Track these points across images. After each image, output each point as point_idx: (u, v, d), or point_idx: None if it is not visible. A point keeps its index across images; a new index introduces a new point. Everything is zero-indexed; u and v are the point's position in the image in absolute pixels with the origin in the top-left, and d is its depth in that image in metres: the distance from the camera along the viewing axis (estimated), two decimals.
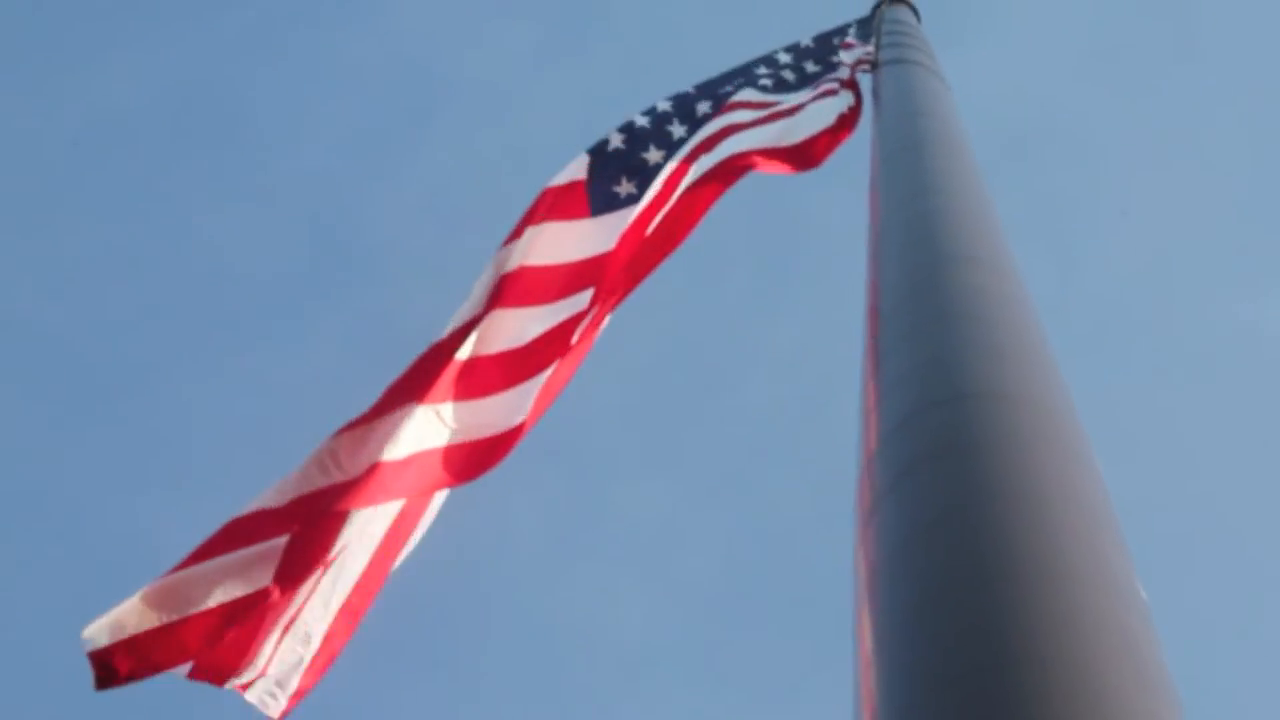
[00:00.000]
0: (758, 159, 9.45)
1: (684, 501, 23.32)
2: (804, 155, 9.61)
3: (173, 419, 23.09)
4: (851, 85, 9.99)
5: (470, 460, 7.88)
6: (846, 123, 9.82)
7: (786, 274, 24.43)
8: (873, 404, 5.02)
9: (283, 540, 7.21)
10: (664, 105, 9.70)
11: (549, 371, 8.20)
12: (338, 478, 7.42)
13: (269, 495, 7.35)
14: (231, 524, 7.28)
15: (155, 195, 24.61)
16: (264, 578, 7.15)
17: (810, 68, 10.42)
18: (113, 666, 6.92)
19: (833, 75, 10.12)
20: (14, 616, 21.88)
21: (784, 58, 10.58)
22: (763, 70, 10.33)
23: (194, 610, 7.03)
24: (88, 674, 6.99)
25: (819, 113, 9.81)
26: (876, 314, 5.71)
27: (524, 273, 8.53)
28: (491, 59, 26.41)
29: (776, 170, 9.64)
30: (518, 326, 8.30)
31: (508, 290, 8.39)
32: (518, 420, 8.08)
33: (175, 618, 7.00)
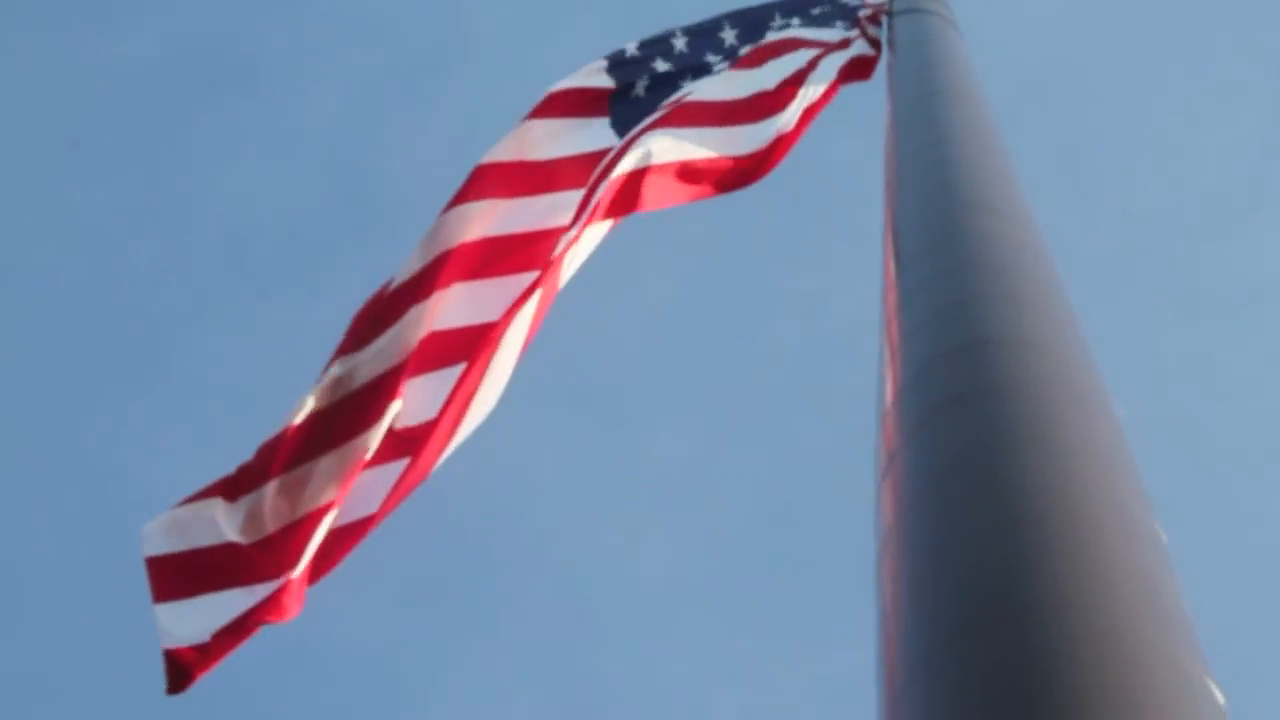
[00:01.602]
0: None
1: (711, 443, 23.36)
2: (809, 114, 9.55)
3: (198, 371, 23.14)
4: (866, 33, 9.98)
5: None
6: (860, 69, 9.81)
7: (813, 216, 24.40)
8: (892, 351, 5.05)
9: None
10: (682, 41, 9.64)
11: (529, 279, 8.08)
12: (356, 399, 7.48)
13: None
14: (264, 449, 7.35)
15: (176, 147, 24.62)
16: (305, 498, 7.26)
17: (818, 10, 10.38)
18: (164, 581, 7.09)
19: (845, 22, 10.10)
20: (43, 571, 21.97)
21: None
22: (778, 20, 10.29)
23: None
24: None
25: (826, 68, 9.75)
26: (894, 261, 5.73)
27: (515, 166, 8.47)
28: (516, 5, 26.34)
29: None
30: (504, 218, 8.22)
31: (491, 182, 8.32)
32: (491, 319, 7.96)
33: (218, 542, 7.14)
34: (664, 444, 22.87)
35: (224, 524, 7.24)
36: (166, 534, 7.23)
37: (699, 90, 9.16)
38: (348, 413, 7.40)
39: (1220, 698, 3.29)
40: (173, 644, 7.08)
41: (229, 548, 7.20)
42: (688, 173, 8.69)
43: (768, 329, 24.24)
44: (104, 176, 24.06)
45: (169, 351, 23.85)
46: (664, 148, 8.58)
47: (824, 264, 24.03)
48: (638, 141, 8.56)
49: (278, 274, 23.62)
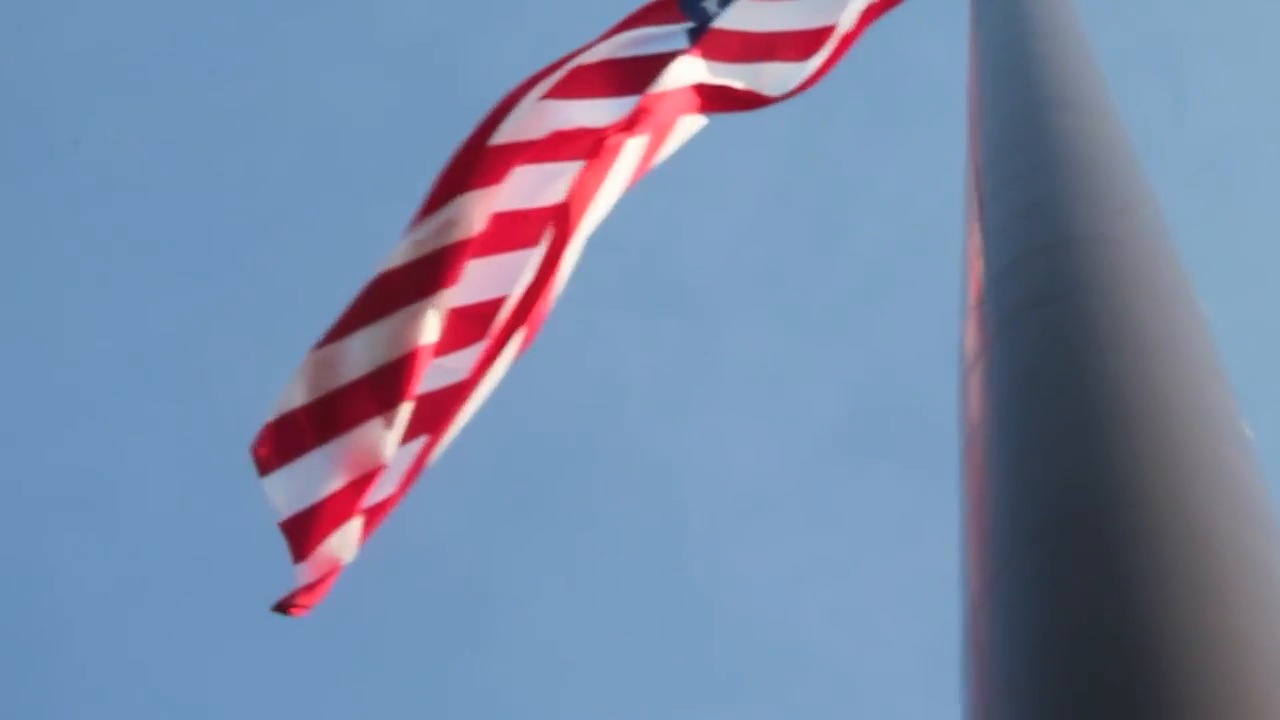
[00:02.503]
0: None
1: (796, 345, 23.35)
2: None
3: (290, 278, 23.28)
4: None
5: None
6: None
7: (895, 114, 24.29)
8: (976, 250, 5.05)
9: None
10: None
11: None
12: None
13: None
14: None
15: (265, 55, 24.69)
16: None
17: None
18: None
19: None
20: (134, 482, 22.22)
21: None
22: None
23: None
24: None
25: None
26: (978, 160, 5.71)
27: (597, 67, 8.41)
28: None
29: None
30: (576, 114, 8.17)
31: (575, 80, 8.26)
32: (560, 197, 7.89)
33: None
34: (750, 344, 22.90)
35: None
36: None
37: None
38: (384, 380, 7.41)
39: None
40: (283, 514, 7.16)
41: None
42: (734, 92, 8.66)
43: (852, 228, 24.18)
44: (191, 86, 24.17)
45: (261, 258, 24.02)
46: (713, 72, 8.53)
47: (908, 162, 23.94)
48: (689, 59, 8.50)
49: (368, 178, 23.69)
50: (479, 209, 7.73)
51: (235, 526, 20.57)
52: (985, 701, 3.20)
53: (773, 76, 8.70)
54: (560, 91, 8.20)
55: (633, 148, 8.05)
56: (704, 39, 8.55)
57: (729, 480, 22.91)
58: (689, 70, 8.35)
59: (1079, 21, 6.88)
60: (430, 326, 7.46)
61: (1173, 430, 3.65)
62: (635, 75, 8.29)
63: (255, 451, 7.31)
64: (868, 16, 9.13)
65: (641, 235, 21.71)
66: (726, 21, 8.73)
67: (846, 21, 8.98)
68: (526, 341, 7.68)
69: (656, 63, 8.35)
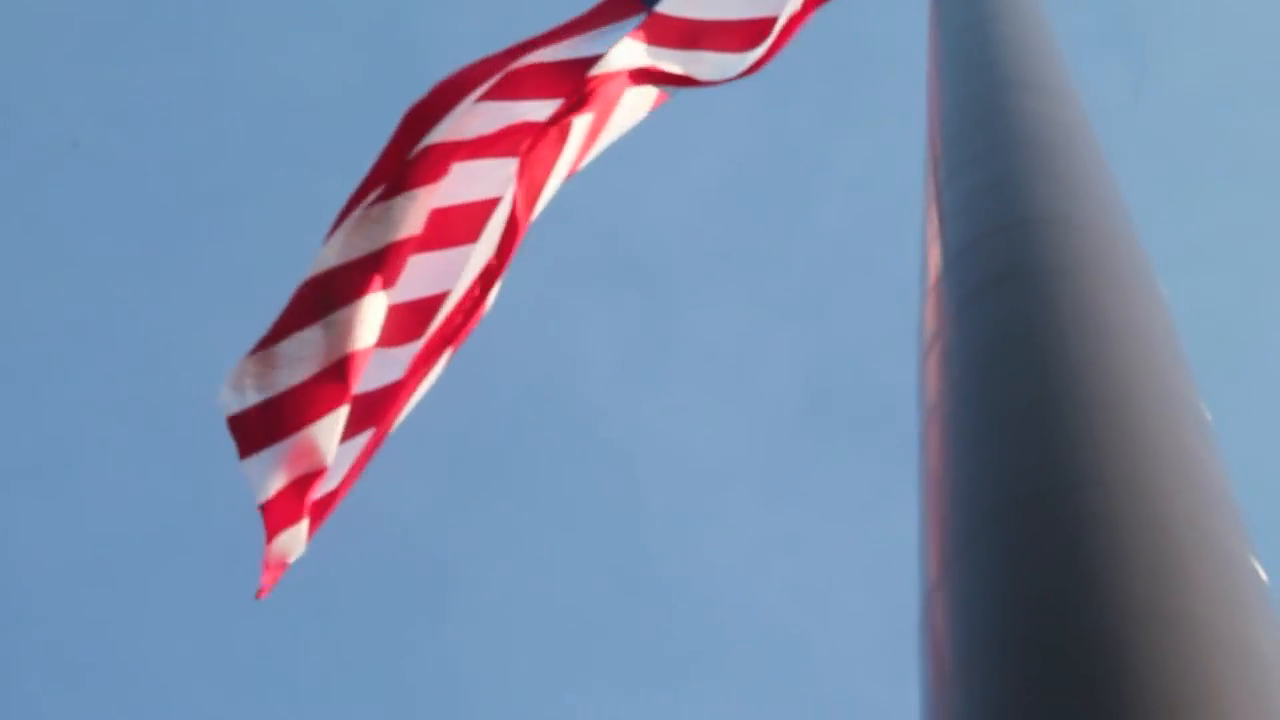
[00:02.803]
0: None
1: (757, 320, 23.35)
2: None
3: (246, 248, 23.18)
4: None
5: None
6: None
7: (857, 93, 24.29)
8: (934, 230, 5.05)
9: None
10: None
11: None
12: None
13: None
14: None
15: (220, 26, 24.57)
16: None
17: None
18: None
19: None
20: (91, 448, 22.14)
21: None
22: None
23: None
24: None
25: None
26: (937, 141, 5.72)
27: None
28: None
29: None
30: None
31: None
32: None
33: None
34: (710, 320, 22.90)
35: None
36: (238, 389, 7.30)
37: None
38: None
39: (1262, 574, 3.31)
40: (264, 497, 7.20)
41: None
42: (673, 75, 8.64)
43: (812, 206, 24.19)
44: (149, 56, 24.05)
45: (215, 228, 23.91)
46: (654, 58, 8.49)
47: (869, 142, 23.95)
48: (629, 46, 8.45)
49: (322, 151, 23.60)
50: (418, 207, 7.73)
51: (193, 498, 20.53)
52: (942, 681, 3.21)
53: (711, 65, 8.68)
54: (506, 92, 8.19)
55: (578, 128, 8.04)
56: (647, 22, 8.52)
57: (689, 456, 22.92)
58: (630, 54, 8.33)
59: (1038, 4, 6.89)
60: (370, 328, 7.48)
61: (1132, 412, 3.66)
62: (583, 73, 8.26)
63: (234, 435, 7.34)
64: (813, 3, 9.09)
65: (603, 211, 21.71)
66: (669, 7, 8.70)
67: (792, 6, 8.94)
68: (464, 335, 7.70)
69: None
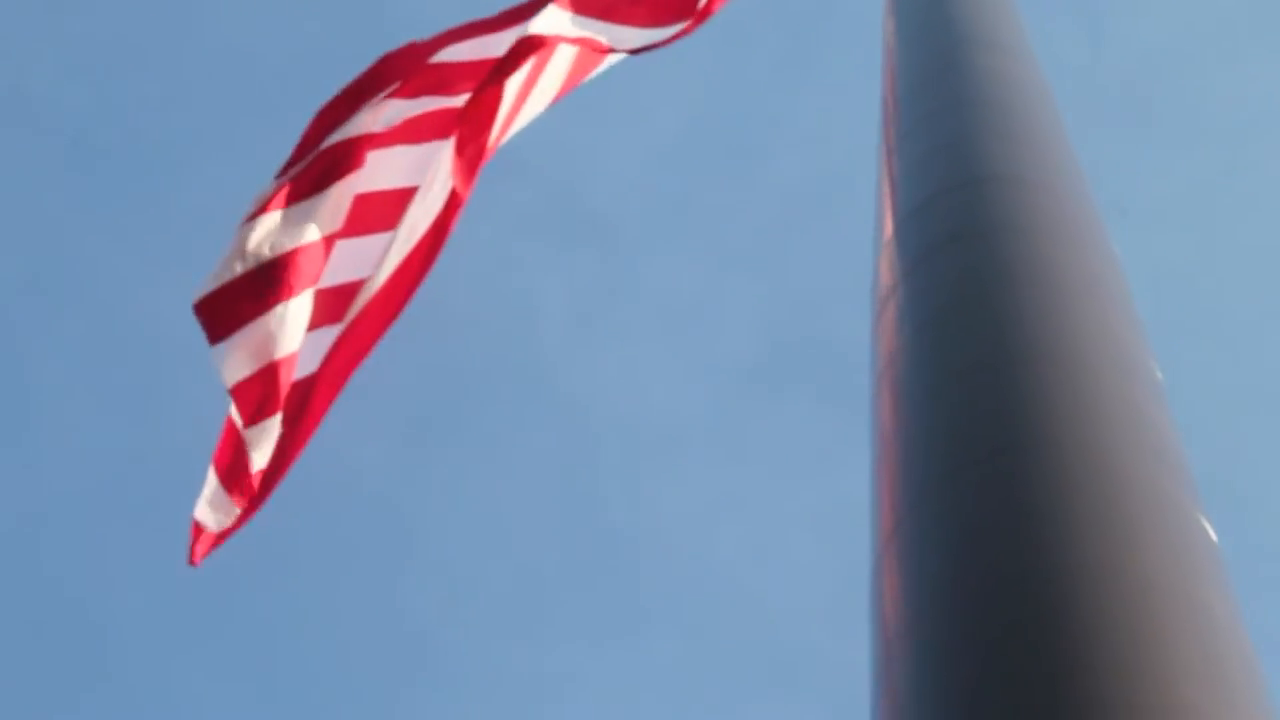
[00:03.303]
0: None
1: (713, 277, 23.33)
2: None
3: (196, 201, 23.08)
4: None
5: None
6: None
7: (814, 47, 24.26)
8: (889, 188, 5.05)
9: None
10: None
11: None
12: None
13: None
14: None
15: None
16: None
17: None
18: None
19: None
20: (39, 400, 22.07)
21: None
22: None
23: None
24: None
25: None
26: (893, 98, 5.71)
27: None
28: None
29: None
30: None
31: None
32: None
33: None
34: (666, 275, 22.88)
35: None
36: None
37: None
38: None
39: (1212, 533, 3.33)
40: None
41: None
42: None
43: (770, 160, 24.17)
44: (100, 6, 23.92)
45: (172, 179, 23.81)
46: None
47: (826, 96, 23.93)
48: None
49: (280, 102, 23.48)
50: (339, 198, 7.76)
51: (143, 448, 20.47)
52: (891, 636, 3.21)
53: (625, 37, 8.65)
54: (417, 89, 8.19)
55: (510, 92, 8.02)
56: None
57: (644, 410, 22.92)
58: (554, 21, 8.29)
59: None
60: (292, 335, 7.50)
61: (1084, 371, 3.67)
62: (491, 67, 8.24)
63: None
64: None
65: (559, 166, 21.64)
66: None
67: None
68: (392, 316, 7.69)
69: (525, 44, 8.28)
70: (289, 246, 7.55)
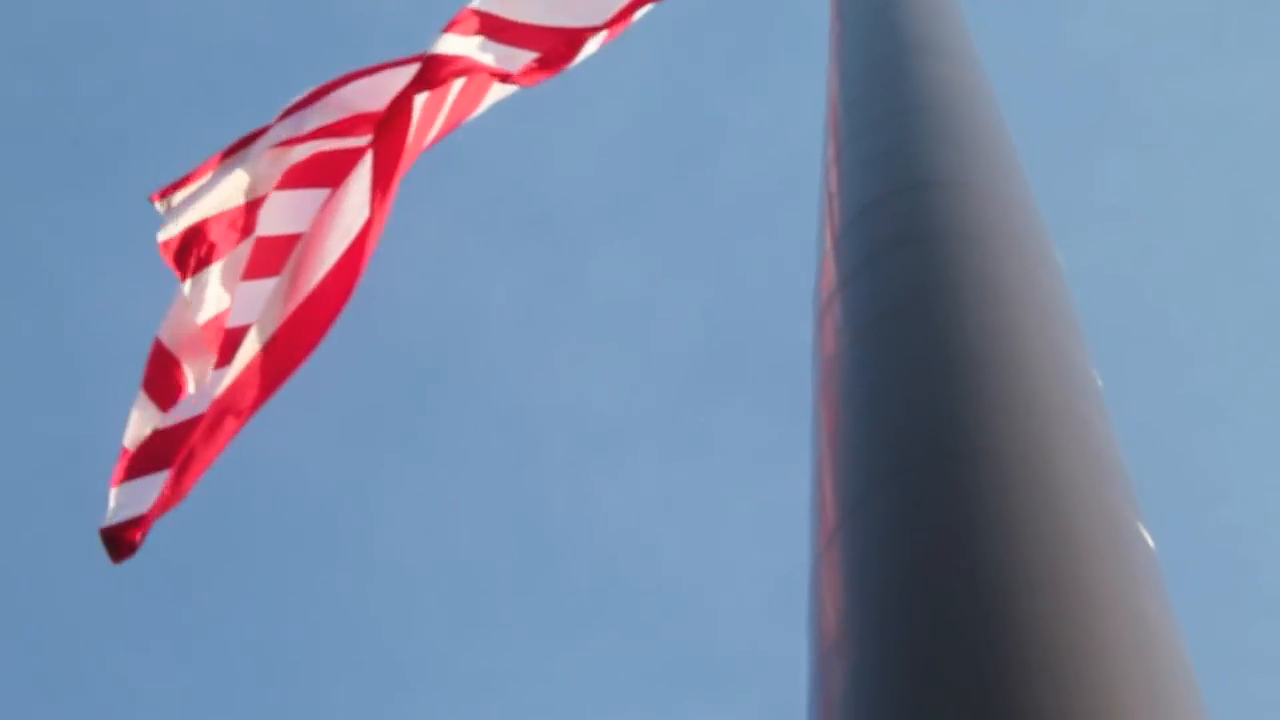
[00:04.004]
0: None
1: (659, 274, 23.33)
2: None
3: (143, 193, 22.91)
4: None
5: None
6: None
7: (763, 47, 24.27)
8: (833, 191, 5.06)
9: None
10: None
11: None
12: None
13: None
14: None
15: None
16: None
17: None
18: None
19: None
20: None
21: None
22: None
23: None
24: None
25: None
26: (838, 102, 5.72)
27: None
28: None
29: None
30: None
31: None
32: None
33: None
34: (612, 272, 22.87)
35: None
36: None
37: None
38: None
39: (1150, 541, 3.34)
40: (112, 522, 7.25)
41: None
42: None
43: (717, 159, 24.17)
44: None
45: (121, 171, 23.68)
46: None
47: (774, 97, 23.94)
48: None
49: (232, 93, 23.36)
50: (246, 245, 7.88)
51: (78, 434, 20.37)
52: (829, 639, 3.22)
53: (515, 62, 8.66)
54: (313, 135, 8.23)
55: (419, 108, 8.02)
56: (459, 15, 8.48)
57: (589, 408, 22.93)
58: (452, 44, 8.29)
59: None
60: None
61: (1025, 377, 3.68)
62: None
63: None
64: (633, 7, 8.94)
65: (505, 162, 21.63)
66: (482, 4, 8.64)
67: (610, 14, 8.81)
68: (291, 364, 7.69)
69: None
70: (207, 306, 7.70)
